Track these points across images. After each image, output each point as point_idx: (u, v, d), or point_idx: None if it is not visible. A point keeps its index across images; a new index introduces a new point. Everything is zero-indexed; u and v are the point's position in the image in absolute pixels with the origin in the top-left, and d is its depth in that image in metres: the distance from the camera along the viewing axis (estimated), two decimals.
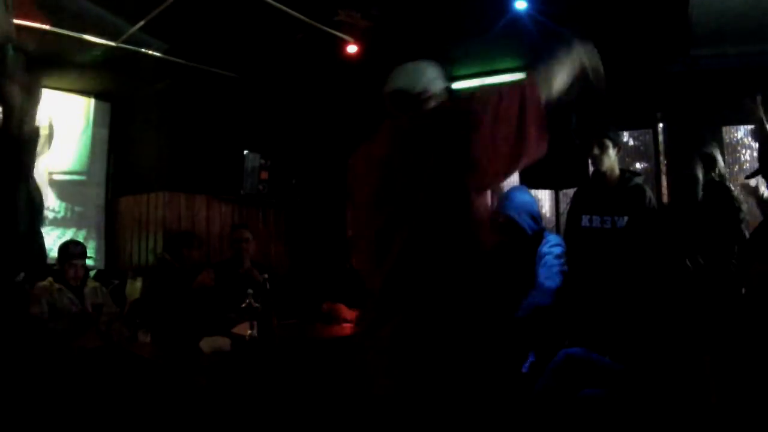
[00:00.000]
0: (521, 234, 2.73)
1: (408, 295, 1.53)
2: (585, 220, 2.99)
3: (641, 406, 2.10)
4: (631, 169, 3.46)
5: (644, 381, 2.17)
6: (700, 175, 2.87)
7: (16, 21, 1.15)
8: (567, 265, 2.71)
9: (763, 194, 2.78)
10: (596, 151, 2.95)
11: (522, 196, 2.85)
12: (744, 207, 2.54)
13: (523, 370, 2.58)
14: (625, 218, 2.87)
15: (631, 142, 4.49)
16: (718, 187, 2.75)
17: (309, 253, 5.29)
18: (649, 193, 2.96)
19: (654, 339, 2.28)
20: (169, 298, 3.48)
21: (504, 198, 2.93)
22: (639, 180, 2.99)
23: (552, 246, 2.73)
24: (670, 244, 2.49)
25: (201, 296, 3.58)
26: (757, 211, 3.00)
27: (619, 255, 2.80)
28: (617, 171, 2.99)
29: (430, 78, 1.81)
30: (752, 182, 2.88)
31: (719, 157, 2.94)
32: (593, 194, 3.04)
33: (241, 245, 3.97)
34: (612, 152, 2.96)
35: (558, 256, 2.68)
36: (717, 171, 2.92)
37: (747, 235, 2.67)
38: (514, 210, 2.75)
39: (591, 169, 3.34)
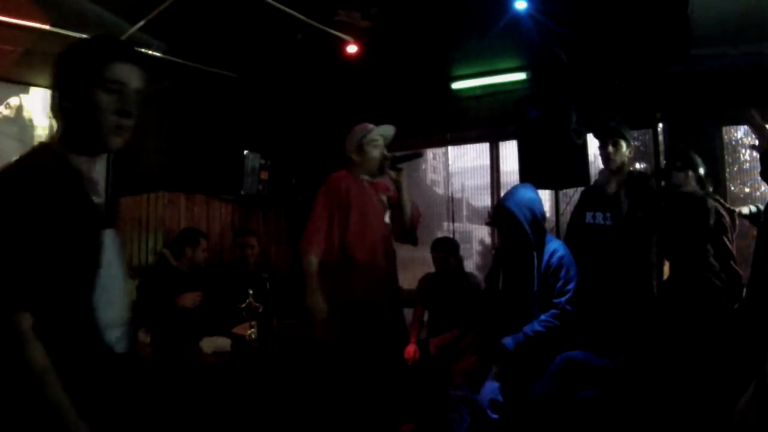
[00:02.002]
0: (519, 228, 2.73)
1: None
2: (589, 217, 3.00)
3: (640, 406, 2.10)
4: (639, 170, 3.47)
5: (643, 381, 2.17)
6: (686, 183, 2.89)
7: (16, 21, 1.16)
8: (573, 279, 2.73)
9: (749, 210, 2.84)
10: (610, 149, 2.96)
11: (526, 193, 2.84)
12: (717, 214, 2.55)
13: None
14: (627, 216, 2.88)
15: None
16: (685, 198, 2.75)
17: None
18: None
19: (653, 338, 2.28)
20: (162, 300, 3.42)
21: (508, 192, 2.95)
22: (651, 182, 3.01)
23: (558, 258, 2.74)
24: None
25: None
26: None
27: (619, 252, 2.80)
28: (626, 170, 3.01)
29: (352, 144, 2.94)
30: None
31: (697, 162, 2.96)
32: (599, 192, 3.05)
33: (246, 251, 4.07)
34: (625, 151, 2.98)
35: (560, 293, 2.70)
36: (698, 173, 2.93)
37: (729, 245, 2.69)
38: (515, 204, 2.76)
39: (593, 168, 3.35)
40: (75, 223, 1.16)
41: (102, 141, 1.23)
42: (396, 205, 2.96)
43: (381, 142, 2.92)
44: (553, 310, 2.67)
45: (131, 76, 1.23)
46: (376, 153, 2.89)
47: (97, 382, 1.22)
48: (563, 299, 2.66)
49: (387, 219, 2.96)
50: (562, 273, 2.68)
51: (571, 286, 2.68)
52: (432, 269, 3.96)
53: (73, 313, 1.18)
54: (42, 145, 1.25)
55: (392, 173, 2.87)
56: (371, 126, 2.93)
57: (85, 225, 1.19)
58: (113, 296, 1.33)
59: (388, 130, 2.97)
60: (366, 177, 2.95)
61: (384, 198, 2.99)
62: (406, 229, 2.99)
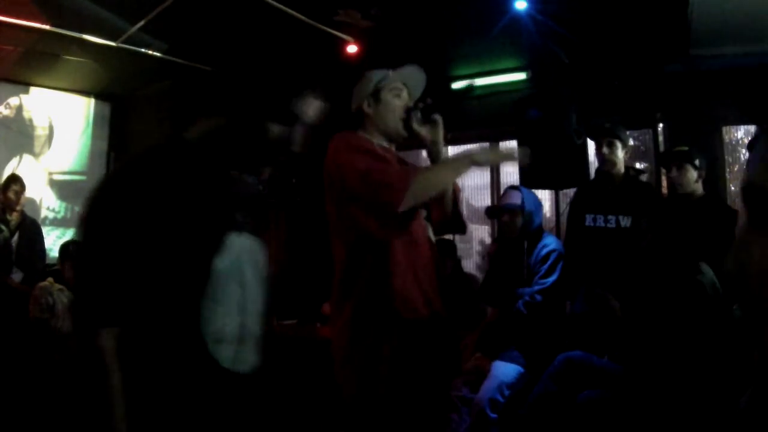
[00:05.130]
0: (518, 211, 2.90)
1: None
2: (589, 219, 2.99)
3: (641, 407, 2.10)
4: (635, 166, 3.47)
5: (645, 382, 2.17)
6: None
7: (16, 21, 1.14)
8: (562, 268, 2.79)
9: None
10: (605, 150, 2.95)
11: (530, 193, 3.05)
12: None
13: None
14: (630, 218, 2.86)
15: (631, 142, 4.49)
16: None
17: (309, 253, 5.29)
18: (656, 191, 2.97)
19: (656, 340, 2.28)
20: None
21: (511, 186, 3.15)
22: (644, 178, 3.00)
23: (547, 251, 2.83)
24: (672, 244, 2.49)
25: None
26: None
27: (623, 255, 2.79)
28: (623, 170, 2.99)
29: None
30: None
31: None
32: (597, 193, 3.03)
33: None
34: (620, 153, 2.97)
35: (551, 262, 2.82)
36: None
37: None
38: (528, 196, 2.96)
39: (593, 168, 3.34)
40: (179, 224, 1.09)
41: None
42: None
43: (405, 94, 1.93)
44: (525, 298, 2.77)
45: None
46: (398, 102, 1.90)
47: (195, 399, 1.13)
48: (533, 289, 2.77)
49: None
50: (545, 266, 2.80)
51: (548, 280, 2.77)
52: None
53: (169, 323, 1.08)
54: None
55: (424, 130, 1.86)
56: (390, 71, 1.96)
57: (191, 225, 1.12)
58: (231, 308, 1.20)
59: (415, 75, 1.98)
60: (382, 142, 1.95)
61: None
62: (448, 215, 1.95)
